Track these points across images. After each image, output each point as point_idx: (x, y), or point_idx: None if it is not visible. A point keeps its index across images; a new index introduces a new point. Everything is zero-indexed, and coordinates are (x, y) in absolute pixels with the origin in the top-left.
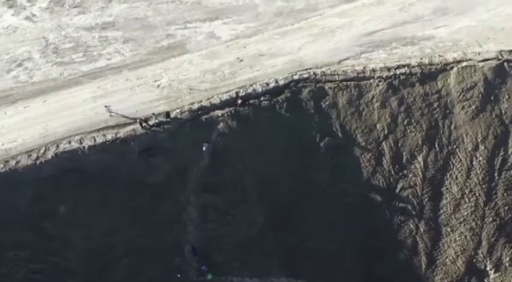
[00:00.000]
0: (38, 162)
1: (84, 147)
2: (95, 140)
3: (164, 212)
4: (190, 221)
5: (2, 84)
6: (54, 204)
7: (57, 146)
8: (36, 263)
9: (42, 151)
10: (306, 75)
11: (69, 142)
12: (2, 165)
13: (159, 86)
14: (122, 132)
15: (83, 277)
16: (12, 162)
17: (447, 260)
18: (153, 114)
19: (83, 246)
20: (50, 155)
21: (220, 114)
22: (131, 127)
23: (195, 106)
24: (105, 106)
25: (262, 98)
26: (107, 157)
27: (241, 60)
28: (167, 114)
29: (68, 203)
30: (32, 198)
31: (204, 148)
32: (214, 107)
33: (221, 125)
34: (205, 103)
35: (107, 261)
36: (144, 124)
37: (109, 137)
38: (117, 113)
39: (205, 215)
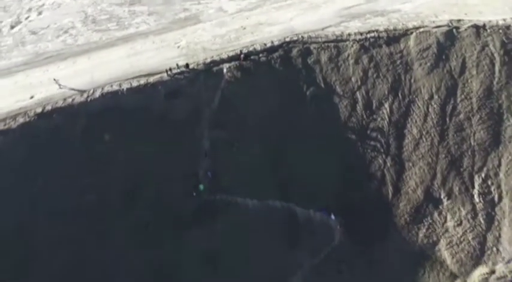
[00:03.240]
0: (88, 100)
1: (122, 89)
2: (131, 84)
3: (183, 143)
4: (205, 156)
5: (53, 46)
6: (100, 133)
7: (102, 89)
8: (86, 178)
9: (91, 92)
10: (295, 38)
11: (111, 86)
12: (62, 102)
13: (179, 46)
14: (152, 79)
15: (121, 193)
16: (69, 100)
17: (409, 189)
18: (177, 64)
19: (122, 168)
20: (97, 94)
21: (227, 67)
22: (159, 75)
23: (208, 60)
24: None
25: (260, 55)
26: (140, 98)
27: (244, 28)
28: (187, 65)
29: (110, 133)
30: (84, 127)
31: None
32: (222, 60)
33: (228, 74)
34: (215, 58)
35: (139, 182)
36: (169, 72)
37: (142, 82)
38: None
39: (215, 146)
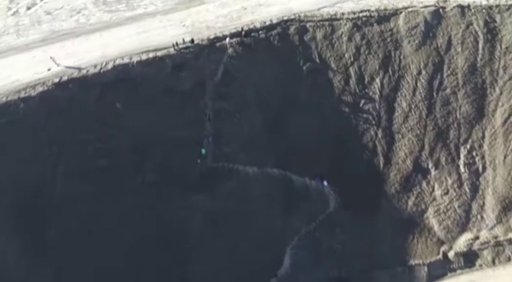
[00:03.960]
0: (101, 71)
1: (133, 62)
2: (140, 57)
3: (188, 113)
4: (208, 123)
5: (67, 25)
6: (112, 102)
7: (114, 62)
8: (99, 143)
9: (104, 64)
10: (292, 17)
11: (122, 59)
12: (77, 73)
13: (184, 25)
14: (160, 53)
15: (131, 157)
16: (84, 71)
17: (399, 160)
18: (183, 39)
19: (132, 134)
20: (109, 66)
21: (229, 42)
22: (166, 50)
23: (212, 36)
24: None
25: (260, 32)
26: (149, 70)
27: (245, 9)
28: (192, 40)
29: (121, 102)
30: (97, 96)
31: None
32: (225, 37)
33: (230, 50)
34: (219, 35)
35: (147, 145)
36: (175, 47)
37: (151, 55)
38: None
39: (218, 116)
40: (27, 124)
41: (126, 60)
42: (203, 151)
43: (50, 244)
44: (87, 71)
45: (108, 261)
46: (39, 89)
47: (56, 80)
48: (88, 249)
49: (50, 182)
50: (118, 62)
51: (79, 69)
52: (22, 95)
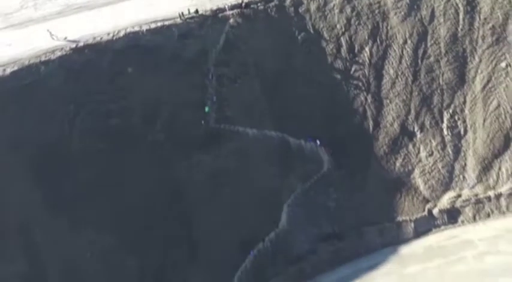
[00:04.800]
0: (113, 38)
1: (143, 30)
2: (149, 26)
3: (193, 77)
4: (211, 86)
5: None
6: (124, 66)
7: (126, 30)
8: (111, 104)
9: (116, 32)
10: None
11: (133, 27)
12: (92, 40)
13: None
14: (167, 22)
15: (140, 117)
16: (98, 38)
17: (387, 123)
18: (188, 10)
19: (141, 96)
20: (121, 34)
21: (231, 13)
22: (173, 20)
23: (214, 8)
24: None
25: (259, 4)
26: (157, 38)
27: None
28: (196, 11)
29: (132, 66)
30: (110, 61)
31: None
32: (227, 8)
33: (232, 20)
34: (221, 6)
35: (156, 107)
36: (181, 17)
37: (159, 24)
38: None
39: (220, 81)
40: (47, 85)
41: (136, 29)
42: (207, 109)
43: (67, 196)
44: (101, 38)
45: (119, 213)
46: (58, 53)
47: (73, 45)
48: (101, 201)
49: (67, 139)
50: (129, 30)
51: (94, 37)
52: (43, 58)
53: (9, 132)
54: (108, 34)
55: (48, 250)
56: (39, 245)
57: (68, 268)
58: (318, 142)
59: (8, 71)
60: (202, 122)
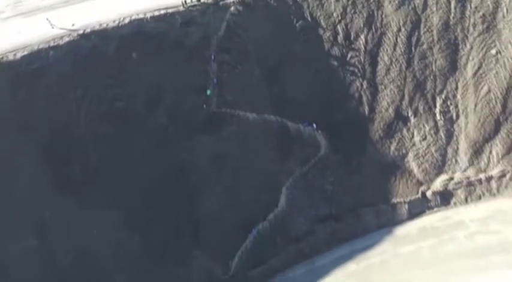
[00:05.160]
0: (119, 25)
1: (147, 17)
2: (153, 13)
3: (195, 63)
4: (212, 72)
5: None
6: (129, 52)
7: (131, 17)
8: (117, 88)
9: (121, 19)
10: None
11: (138, 14)
12: (98, 26)
13: None
14: (170, 10)
15: (144, 101)
16: (104, 25)
17: (382, 108)
18: None
19: (145, 80)
20: (126, 21)
21: (231, 1)
22: (176, 8)
23: None
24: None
25: None
26: (161, 25)
27: None
28: None
29: (137, 52)
30: (116, 47)
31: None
32: None
33: (232, 8)
34: None
35: (159, 91)
36: (184, 5)
37: (162, 12)
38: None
39: (222, 67)
40: (56, 69)
41: (141, 16)
42: (208, 92)
43: (75, 175)
44: (107, 25)
45: (125, 192)
46: (66, 39)
47: (80, 31)
48: (107, 181)
49: (75, 122)
50: (134, 17)
51: (100, 24)
52: (51, 44)
53: (20, 115)
54: (114, 21)
55: (57, 227)
56: (49, 222)
57: (76, 244)
58: (315, 126)
59: (19, 55)
60: (204, 106)
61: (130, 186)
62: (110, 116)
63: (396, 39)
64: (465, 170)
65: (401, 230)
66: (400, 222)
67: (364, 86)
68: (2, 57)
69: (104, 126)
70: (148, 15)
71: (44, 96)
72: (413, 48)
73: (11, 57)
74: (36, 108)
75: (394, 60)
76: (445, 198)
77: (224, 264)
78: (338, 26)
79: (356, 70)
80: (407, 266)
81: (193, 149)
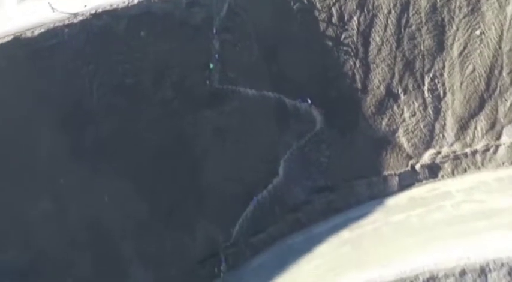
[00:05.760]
0: (129, 5)
1: None
2: None
3: (199, 42)
4: (214, 49)
5: None
6: (137, 31)
7: None
8: (127, 64)
9: (131, 0)
10: None
11: None
12: (109, 6)
13: None
14: None
15: (152, 77)
16: (114, 5)
17: (374, 86)
18: None
19: (153, 57)
20: (135, 2)
21: None
22: None
23: None
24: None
25: None
26: (167, 6)
27: None
28: None
29: (145, 31)
30: (125, 26)
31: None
32: None
33: None
34: None
35: (166, 68)
36: None
37: None
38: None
39: (223, 46)
40: (70, 45)
41: None
42: (211, 66)
43: (88, 146)
44: (117, 5)
45: (133, 161)
46: (79, 17)
47: (93, 11)
48: (117, 150)
49: (88, 95)
50: None
51: (111, 4)
52: (66, 22)
53: (37, 87)
54: (124, 2)
55: (70, 192)
56: (63, 187)
57: (87, 209)
58: (309, 101)
59: (36, 32)
60: (207, 82)
61: (139, 156)
62: (120, 89)
63: (387, 21)
64: (452, 145)
65: (392, 201)
66: (390, 193)
67: (357, 65)
68: (21, 35)
69: (115, 100)
70: None
71: (60, 71)
72: (402, 30)
73: (29, 34)
74: (52, 81)
75: (385, 40)
76: (433, 171)
77: (226, 231)
78: (332, 8)
79: (349, 50)
80: (397, 233)
81: (197, 122)
